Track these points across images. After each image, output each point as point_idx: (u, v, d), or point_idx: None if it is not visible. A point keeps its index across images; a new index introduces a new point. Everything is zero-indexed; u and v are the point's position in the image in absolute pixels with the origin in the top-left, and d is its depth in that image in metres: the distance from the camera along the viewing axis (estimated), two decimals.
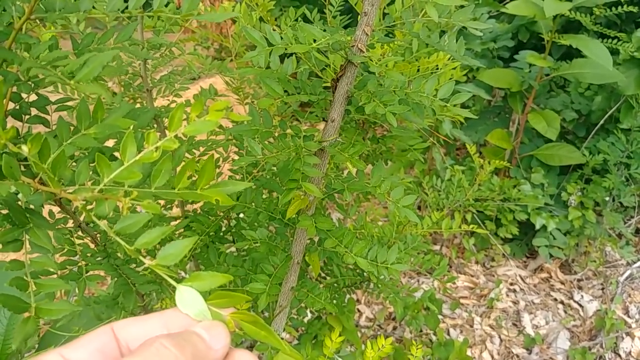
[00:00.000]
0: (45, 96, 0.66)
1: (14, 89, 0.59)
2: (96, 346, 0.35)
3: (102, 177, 0.39)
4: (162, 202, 1.16)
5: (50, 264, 0.54)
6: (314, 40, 0.70)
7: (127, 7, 0.54)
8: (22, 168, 0.54)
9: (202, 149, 1.24)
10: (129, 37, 0.57)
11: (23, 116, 0.63)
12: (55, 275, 0.65)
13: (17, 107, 0.61)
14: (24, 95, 0.63)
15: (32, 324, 0.49)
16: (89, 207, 0.40)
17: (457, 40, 0.82)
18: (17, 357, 1.26)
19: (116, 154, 0.61)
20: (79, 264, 0.82)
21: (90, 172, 0.45)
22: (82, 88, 0.44)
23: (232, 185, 0.40)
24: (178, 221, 1.18)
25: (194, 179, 0.41)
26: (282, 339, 1.12)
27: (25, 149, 0.39)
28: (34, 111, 0.66)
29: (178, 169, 0.40)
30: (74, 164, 0.60)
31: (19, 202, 0.56)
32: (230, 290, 1.00)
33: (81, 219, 0.84)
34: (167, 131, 0.40)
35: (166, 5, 0.53)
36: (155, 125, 1.20)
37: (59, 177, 0.42)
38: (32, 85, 0.58)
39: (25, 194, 0.44)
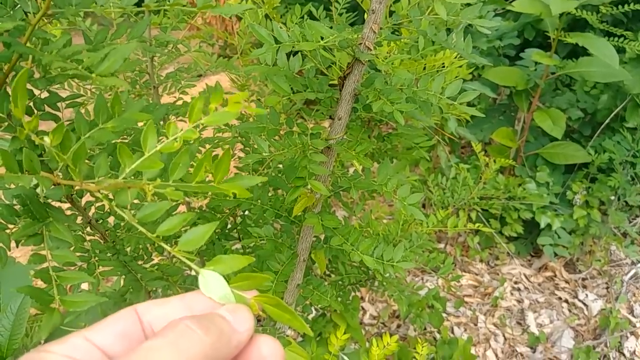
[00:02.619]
0: (56, 93, 0.66)
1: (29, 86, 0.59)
2: (120, 328, 0.34)
3: (123, 167, 0.40)
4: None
5: (72, 257, 0.54)
6: (322, 38, 0.70)
7: (143, 1, 0.55)
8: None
9: (207, 147, 1.24)
10: (142, 33, 0.57)
11: (36, 112, 0.63)
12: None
13: (31, 104, 0.61)
14: (36, 93, 0.64)
15: (57, 315, 0.49)
16: (109, 196, 0.41)
17: (463, 39, 0.82)
18: (23, 352, 1.26)
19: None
20: (91, 261, 0.83)
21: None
22: (103, 81, 0.44)
23: (247, 180, 0.40)
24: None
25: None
26: (288, 336, 1.12)
27: (47, 140, 0.39)
28: (45, 108, 0.66)
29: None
30: (87, 161, 0.61)
31: (38, 197, 0.57)
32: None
33: (90, 214, 0.84)
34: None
35: None
36: (161, 122, 1.20)
37: (79, 171, 0.42)
38: (47, 81, 0.58)
39: (46, 186, 0.45)
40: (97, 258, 0.82)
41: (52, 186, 0.49)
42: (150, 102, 1.20)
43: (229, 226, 1.21)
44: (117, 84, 0.45)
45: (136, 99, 1.21)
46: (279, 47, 0.70)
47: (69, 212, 0.79)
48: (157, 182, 0.39)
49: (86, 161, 0.44)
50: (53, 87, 0.65)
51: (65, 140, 0.41)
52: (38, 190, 0.58)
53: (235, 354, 0.34)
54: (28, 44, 0.53)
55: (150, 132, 0.40)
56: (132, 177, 0.40)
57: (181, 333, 0.31)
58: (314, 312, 1.64)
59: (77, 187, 0.42)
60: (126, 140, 0.72)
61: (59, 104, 0.66)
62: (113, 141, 0.62)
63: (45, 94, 0.64)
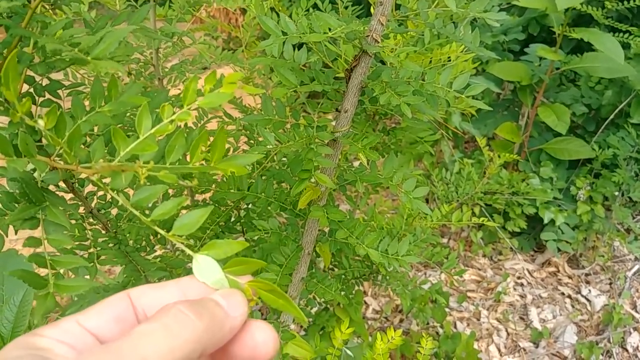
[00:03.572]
0: (57, 81, 0.66)
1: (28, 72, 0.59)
2: (113, 313, 0.34)
3: (118, 150, 0.39)
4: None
5: (67, 242, 0.54)
6: (329, 30, 0.69)
7: None
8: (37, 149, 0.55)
9: (211, 139, 1.24)
10: (142, 20, 0.57)
11: (37, 98, 0.63)
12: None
13: (31, 90, 0.61)
14: (37, 80, 0.64)
15: (52, 299, 0.49)
16: (104, 180, 0.40)
17: (472, 32, 0.82)
18: None
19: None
20: (90, 250, 0.83)
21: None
22: (99, 65, 0.44)
23: (243, 158, 0.40)
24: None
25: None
26: (291, 329, 1.12)
27: (41, 123, 0.39)
28: (46, 95, 0.66)
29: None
30: (85, 147, 0.61)
31: (35, 181, 0.57)
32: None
33: (93, 205, 0.84)
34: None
35: None
36: None
37: (74, 155, 0.42)
38: (47, 66, 0.58)
39: (42, 169, 0.44)
40: (98, 248, 0.82)
41: (49, 170, 0.49)
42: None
43: (233, 219, 1.21)
44: (114, 68, 0.45)
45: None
46: (286, 38, 0.70)
47: (71, 202, 0.79)
48: (151, 164, 0.38)
49: (82, 146, 0.44)
50: (55, 75, 0.65)
51: (59, 123, 0.41)
52: (36, 175, 0.58)
53: (228, 338, 0.35)
54: (29, 29, 0.52)
55: (144, 114, 0.39)
56: (128, 161, 0.40)
57: (174, 317, 0.32)
58: (317, 306, 1.64)
59: (73, 171, 0.41)
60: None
61: (61, 94, 0.66)
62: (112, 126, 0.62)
63: (46, 82, 0.64)
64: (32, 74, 0.60)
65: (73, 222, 0.84)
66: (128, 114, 0.93)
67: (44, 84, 0.65)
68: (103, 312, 0.34)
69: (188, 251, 0.36)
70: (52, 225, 0.55)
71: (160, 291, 0.36)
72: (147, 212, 0.38)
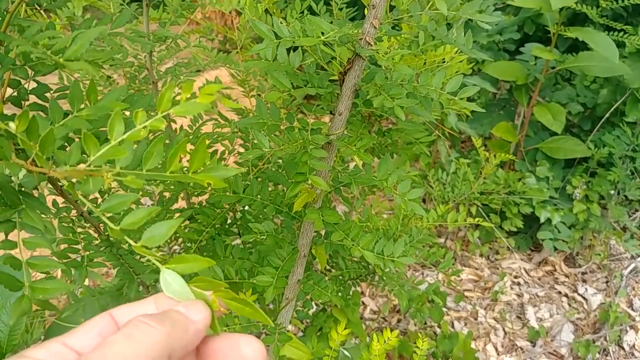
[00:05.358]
0: (45, 84, 0.66)
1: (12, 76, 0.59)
2: (97, 331, 0.36)
3: (89, 155, 0.40)
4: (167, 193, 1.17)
5: (44, 244, 0.54)
6: (322, 33, 0.70)
7: None
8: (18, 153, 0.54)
9: (207, 142, 1.24)
10: (124, 23, 0.57)
11: (23, 103, 0.63)
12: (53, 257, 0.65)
13: (16, 94, 0.61)
14: (24, 83, 0.64)
15: (27, 302, 0.50)
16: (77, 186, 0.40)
17: (464, 34, 0.82)
18: (23, 348, 1.27)
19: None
20: (81, 252, 0.83)
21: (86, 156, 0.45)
22: (71, 66, 0.44)
23: (223, 171, 0.40)
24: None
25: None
26: (288, 331, 1.12)
27: (12, 125, 0.39)
28: (33, 99, 0.66)
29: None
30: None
31: (12, 184, 0.57)
32: (236, 282, 1.01)
33: (85, 208, 0.84)
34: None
35: None
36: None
37: (47, 157, 0.42)
38: (32, 72, 0.58)
39: (15, 173, 0.45)
40: (87, 251, 0.82)
41: (25, 173, 0.49)
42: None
43: (229, 221, 1.21)
44: (86, 69, 0.45)
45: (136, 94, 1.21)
46: (279, 42, 0.70)
47: (63, 205, 0.79)
48: (117, 169, 0.39)
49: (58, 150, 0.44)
50: (52, 77, 0.64)
51: (32, 127, 0.41)
52: (14, 178, 0.58)
53: (196, 342, 0.37)
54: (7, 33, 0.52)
55: (117, 120, 0.39)
56: (107, 165, 0.40)
57: (134, 327, 0.34)
58: (315, 307, 1.64)
59: (46, 175, 0.41)
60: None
61: (50, 96, 0.66)
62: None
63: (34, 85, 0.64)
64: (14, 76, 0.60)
65: (64, 224, 0.84)
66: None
67: (30, 88, 0.65)
68: (88, 332, 0.36)
69: (157, 264, 0.36)
70: (28, 228, 0.55)
71: (139, 308, 0.38)
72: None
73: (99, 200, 0.92)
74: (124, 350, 0.32)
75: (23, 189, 0.58)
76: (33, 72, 0.59)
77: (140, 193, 1.12)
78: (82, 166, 0.40)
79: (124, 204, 0.39)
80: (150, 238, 0.36)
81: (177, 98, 0.40)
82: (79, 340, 0.35)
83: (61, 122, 0.48)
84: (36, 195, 0.60)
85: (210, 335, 0.38)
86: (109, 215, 0.40)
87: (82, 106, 0.50)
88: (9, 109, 0.55)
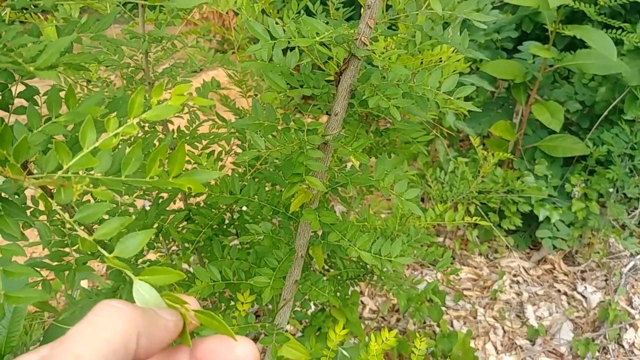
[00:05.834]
0: (33, 87, 0.66)
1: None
2: None
3: (62, 164, 0.39)
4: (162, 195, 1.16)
5: (19, 252, 0.54)
6: (317, 34, 0.69)
7: None
8: None
9: (204, 142, 1.24)
10: (105, 29, 0.57)
11: (10, 107, 0.62)
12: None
13: (1, 97, 0.61)
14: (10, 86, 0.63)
15: (0, 310, 0.49)
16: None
17: (460, 33, 0.82)
18: (22, 350, 1.27)
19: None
20: (70, 255, 0.82)
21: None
22: (40, 74, 0.44)
23: (203, 174, 0.39)
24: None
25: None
26: (286, 331, 1.12)
27: None
28: (20, 102, 0.65)
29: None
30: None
31: None
32: (234, 283, 1.01)
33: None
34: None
35: None
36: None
37: (21, 164, 0.41)
38: (19, 76, 0.58)
39: None
40: (78, 253, 0.82)
41: (5, 179, 0.49)
42: (147, 97, 1.20)
43: (226, 222, 1.21)
44: (53, 78, 0.44)
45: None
46: (275, 43, 0.70)
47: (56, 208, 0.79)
48: (86, 180, 0.38)
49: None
50: (48, 80, 0.64)
51: (4, 134, 0.40)
52: None
53: (164, 339, 0.35)
54: None
55: (88, 128, 0.39)
56: (85, 173, 0.39)
57: (99, 312, 0.33)
58: (313, 307, 1.64)
59: (21, 182, 0.41)
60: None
61: (39, 100, 0.65)
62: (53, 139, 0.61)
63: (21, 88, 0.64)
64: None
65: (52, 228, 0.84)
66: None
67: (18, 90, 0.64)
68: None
69: (130, 275, 0.36)
70: (6, 235, 0.55)
71: None
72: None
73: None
74: (89, 339, 0.31)
75: (2, 194, 0.57)
76: (20, 76, 0.59)
77: (136, 194, 1.12)
78: (58, 174, 0.39)
79: (97, 214, 0.38)
80: (123, 249, 0.36)
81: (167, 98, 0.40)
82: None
83: (39, 128, 0.47)
84: (28, 197, 0.60)
85: (204, 337, 0.37)
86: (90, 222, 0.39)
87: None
88: None
